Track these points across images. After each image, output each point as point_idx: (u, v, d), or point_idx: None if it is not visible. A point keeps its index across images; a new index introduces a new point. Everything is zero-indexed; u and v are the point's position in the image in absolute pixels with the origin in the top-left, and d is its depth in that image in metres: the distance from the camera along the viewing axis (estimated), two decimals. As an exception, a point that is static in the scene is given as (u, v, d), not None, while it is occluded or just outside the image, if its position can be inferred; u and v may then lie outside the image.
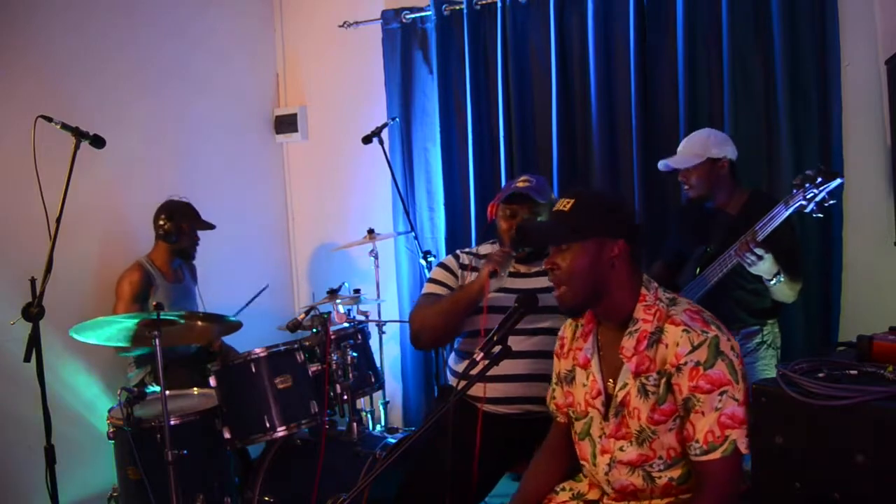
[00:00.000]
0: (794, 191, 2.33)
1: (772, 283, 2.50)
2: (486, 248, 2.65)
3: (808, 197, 2.30)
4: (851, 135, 2.97)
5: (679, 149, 2.72)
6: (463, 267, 2.60)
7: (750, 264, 2.41)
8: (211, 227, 3.43)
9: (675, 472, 1.72)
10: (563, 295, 1.77)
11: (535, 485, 1.98)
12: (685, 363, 1.64)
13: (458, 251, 2.69)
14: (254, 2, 4.37)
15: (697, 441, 1.63)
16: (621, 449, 1.75)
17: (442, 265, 2.64)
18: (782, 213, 2.36)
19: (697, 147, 2.67)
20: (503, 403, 2.41)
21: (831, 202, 2.32)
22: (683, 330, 1.66)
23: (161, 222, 3.33)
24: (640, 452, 1.72)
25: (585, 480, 1.92)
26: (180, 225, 3.33)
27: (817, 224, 2.41)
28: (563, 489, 1.94)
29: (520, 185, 2.51)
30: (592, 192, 2.16)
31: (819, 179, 2.28)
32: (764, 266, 2.42)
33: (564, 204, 1.78)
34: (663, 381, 1.68)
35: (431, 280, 2.62)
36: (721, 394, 1.62)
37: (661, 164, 2.74)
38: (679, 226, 2.94)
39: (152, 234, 3.39)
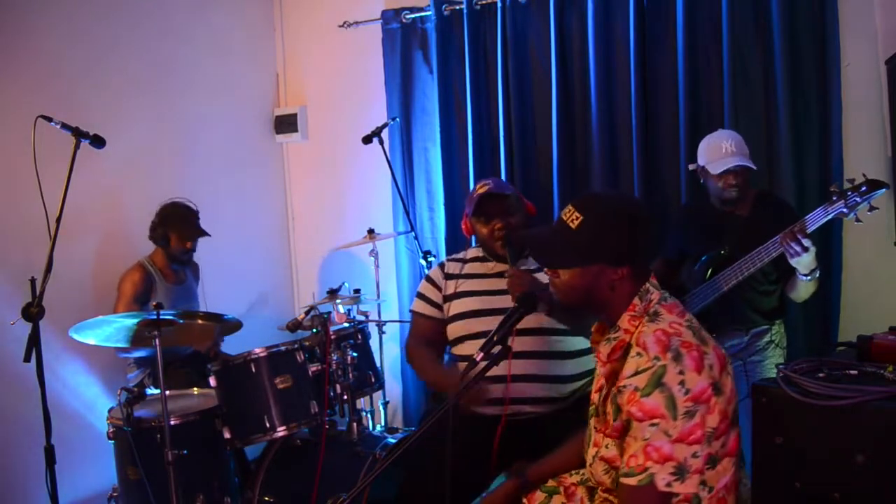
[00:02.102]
0: (834, 197, 2.31)
1: (807, 278, 2.47)
2: (473, 252, 2.70)
3: (849, 205, 2.29)
4: (851, 135, 2.97)
5: (732, 149, 2.63)
6: (448, 276, 2.66)
7: (792, 255, 2.37)
8: (202, 234, 3.37)
9: None
10: (558, 298, 1.79)
11: (560, 456, 1.99)
12: (625, 386, 1.59)
13: (445, 259, 2.76)
14: (254, 2, 4.37)
15: (623, 463, 1.59)
16: (606, 446, 1.74)
17: (428, 278, 2.73)
18: (819, 219, 2.34)
19: (745, 146, 2.66)
20: (493, 405, 2.41)
21: (875, 209, 2.31)
22: (638, 353, 1.61)
23: (152, 226, 3.32)
24: (609, 455, 1.71)
25: None
26: (167, 233, 3.30)
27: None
28: (577, 473, 1.95)
29: (480, 191, 2.56)
30: (606, 206, 1.75)
31: (864, 188, 2.26)
32: (806, 259, 2.39)
33: (572, 217, 1.68)
34: (614, 396, 1.66)
35: (419, 295, 2.72)
36: (652, 425, 1.54)
37: (739, 163, 2.61)
38: (686, 226, 2.93)
39: (153, 235, 3.39)
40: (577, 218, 1.67)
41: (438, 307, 2.65)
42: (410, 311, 2.74)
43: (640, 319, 1.66)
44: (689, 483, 1.54)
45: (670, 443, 1.53)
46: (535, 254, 1.97)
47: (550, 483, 1.94)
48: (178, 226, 3.30)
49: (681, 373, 1.54)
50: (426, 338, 2.67)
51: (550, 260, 1.75)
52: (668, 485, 1.53)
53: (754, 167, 2.64)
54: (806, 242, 2.34)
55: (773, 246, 2.44)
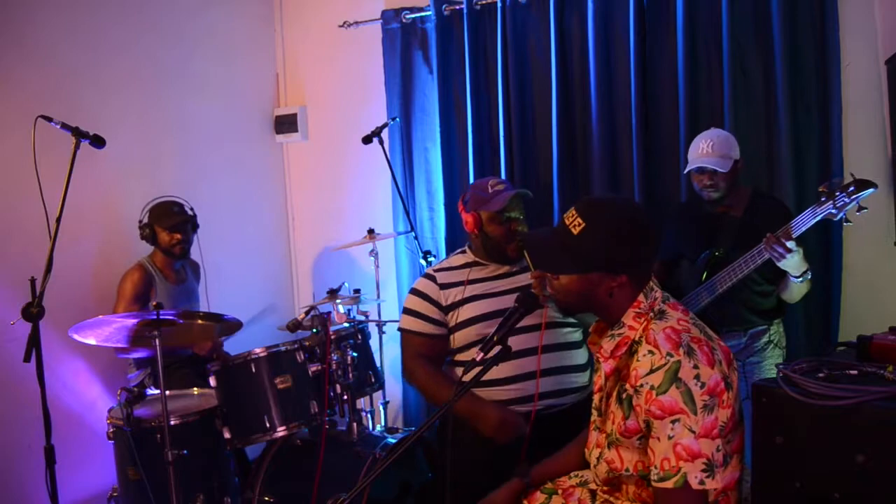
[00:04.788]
0: (823, 198, 2.31)
1: (799, 280, 2.47)
2: (458, 259, 2.63)
3: (838, 205, 2.28)
4: (851, 135, 2.97)
5: (707, 150, 2.62)
6: (445, 286, 2.55)
7: (777, 259, 2.38)
8: (187, 221, 3.32)
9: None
10: (555, 300, 1.80)
11: (557, 461, 2.00)
12: (642, 385, 1.59)
13: (430, 271, 2.63)
14: (254, 2, 4.37)
15: (655, 466, 1.58)
16: (608, 446, 1.75)
17: (417, 293, 2.59)
18: (808, 221, 2.33)
19: (727, 148, 2.62)
20: (522, 403, 2.41)
21: (864, 210, 2.30)
22: (650, 350, 1.61)
23: (140, 226, 3.30)
24: (609, 456, 1.72)
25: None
26: (153, 226, 3.28)
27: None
28: (575, 475, 1.95)
29: (498, 187, 2.52)
30: (609, 215, 1.68)
31: (851, 188, 2.25)
32: (793, 261, 2.39)
33: (574, 223, 1.66)
34: (626, 397, 1.66)
35: (409, 311, 2.58)
36: (673, 422, 1.55)
37: (703, 164, 2.59)
38: (680, 227, 2.92)
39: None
40: (580, 224, 1.65)
41: (434, 322, 2.54)
42: (400, 329, 2.61)
43: (646, 317, 1.67)
44: (718, 478, 1.55)
45: (696, 439, 1.54)
46: (533, 257, 1.96)
47: (549, 485, 1.94)
48: (161, 218, 3.28)
49: (695, 367, 1.56)
50: (424, 355, 2.57)
51: (549, 265, 1.75)
52: (701, 482, 1.54)
53: (722, 169, 2.58)
54: (790, 245, 2.34)
55: (759, 251, 2.44)
